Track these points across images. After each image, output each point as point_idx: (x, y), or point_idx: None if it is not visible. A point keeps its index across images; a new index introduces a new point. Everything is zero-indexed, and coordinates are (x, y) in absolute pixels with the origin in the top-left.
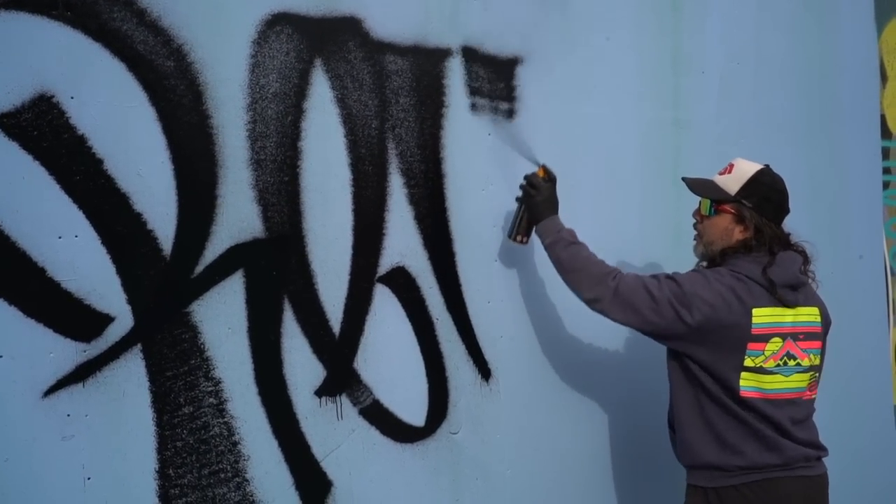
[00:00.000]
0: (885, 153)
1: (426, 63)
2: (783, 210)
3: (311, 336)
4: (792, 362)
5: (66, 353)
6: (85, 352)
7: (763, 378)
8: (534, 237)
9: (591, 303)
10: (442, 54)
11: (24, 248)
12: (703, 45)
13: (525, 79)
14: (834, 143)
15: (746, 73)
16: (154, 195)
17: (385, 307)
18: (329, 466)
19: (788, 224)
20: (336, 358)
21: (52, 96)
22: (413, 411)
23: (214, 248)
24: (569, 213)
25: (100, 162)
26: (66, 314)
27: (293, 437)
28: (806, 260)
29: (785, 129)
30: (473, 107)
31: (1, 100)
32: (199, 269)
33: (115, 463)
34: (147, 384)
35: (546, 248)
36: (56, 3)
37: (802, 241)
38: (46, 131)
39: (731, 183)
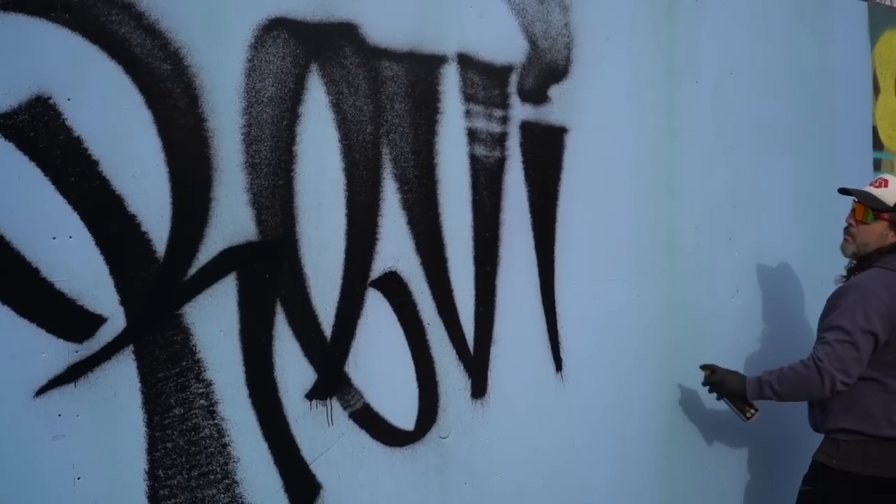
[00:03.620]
0: (877, 164)
1: (421, 69)
2: None
3: (302, 339)
4: None
5: (59, 353)
6: (77, 352)
7: None
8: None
9: (827, 392)
10: (437, 61)
11: (18, 249)
12: (698, 55)
13: (520, 86)
14: (826, 153)
15: (740, 82)
16: (149, 197)
17: (377, 311)
18: (319, 469)
19: (779, 234)
20: (327, 361)
21: (50, 98)
22: (403, 415)
23: (208, 250)
24: (563, 221)
25: (95, 163)
26: (59, 314)
27: (283, 439)
28: None
29: (778, 139)
30: (468, 113)
31: None
32: (192, 271)
33: (105, 463)
34: (138, 385)
35: (772, 399)
36: (55, 5)
37: None
38: (43, 132)
39: (889, 196)
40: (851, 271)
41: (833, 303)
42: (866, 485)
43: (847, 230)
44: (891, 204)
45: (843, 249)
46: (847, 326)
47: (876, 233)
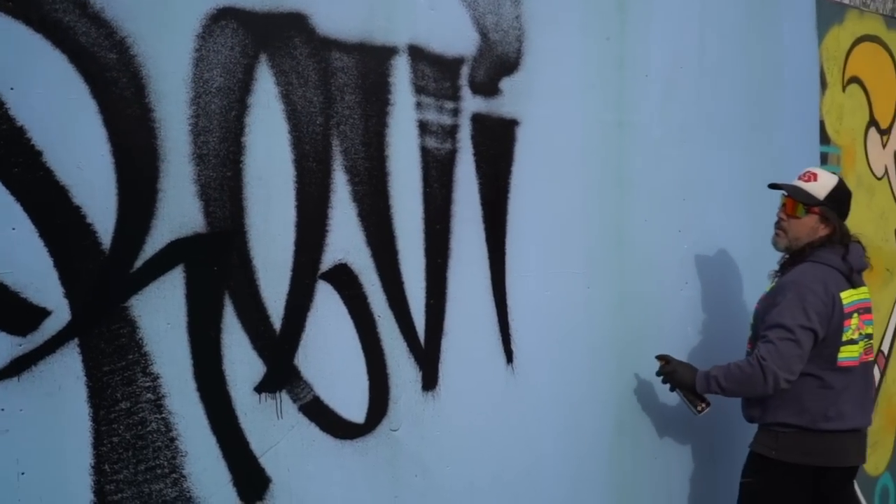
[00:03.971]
0: (824, 158)
1: (372, 60)
2: (849, 211)
3: (251, 332)
4: (859, 333)
5: (1, 346)
6: (20, 346)
7: (852, 348)
8: None
9: (770, 391)
10: (388, 52)
11: None
12: (648, 49)
13: (471, 78)
14: (774, 147)
15: (690, 77)
16: (94, 188)
17: (327, 304)
18: (268, 463)
19: (729, 227)
20: (276, 354)
21: None
22: (353, 408)
23: (154, 242)
24: (514, 213)
25: (39, 154)
26: (2, 307)
27: (232, 433)
28: (864, 249)
29: (727, 132)
30: (419, 105)
31: None
32: (139, 263)
33: (50, 458)
34: (84, 379)
35: (719, 394)
36: None
37: (856, 235)
38: None
39: (819, 189)
40: (784, 266)
41: (772, 300)
42: (805, 473)
43: (778, 224)
44: (821, 198)
45: (775, 244)
46: (788, 324)
47: (807, 227)
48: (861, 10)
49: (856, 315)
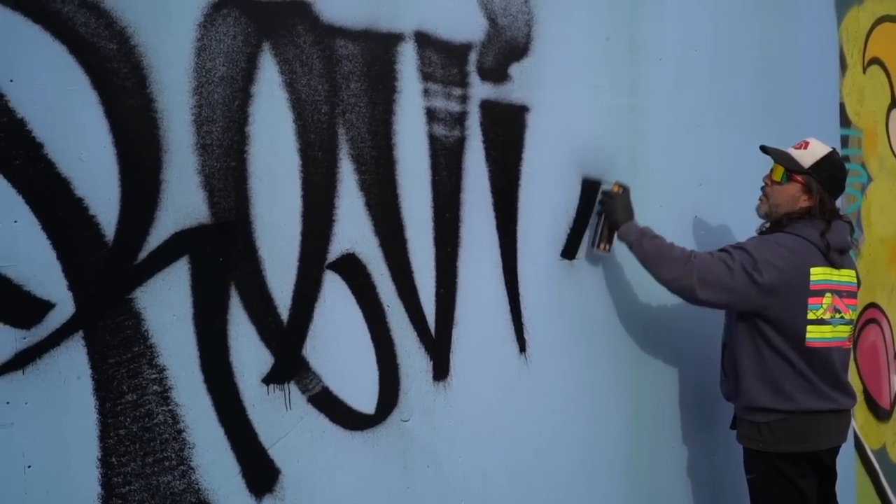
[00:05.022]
0: (845, 141)
1: (378, 48)
2: (841, 188)
3: (258, 323)
4: (837, 315)
5: (6, 339)
6: (25, 339)
7: (823, 329)
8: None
9: (677, 283)
10: (394, 39)
11: None
12: (661, 32)
13: (480, 65)
14: (792, 131)
15: (704, 60)
16: (96, 180)
17: (335, 294)
18: (277, 454)
19: (745, 212)
20: (284, 345)
21: None
22: (363, 399)
23: (158, 233)
24: (525, 201)
25: (40, 146)
26: (5, 301)
27: (240, 425)
28: (852, 230)
29: (742, 116)
30: (426, 92)
31: None
32: (143, 255)
33: (56, 451)
34: (89, 371)
35: (631, 247)
36: None
37: (846, 215)
38: None
39: (806, 157)
40: (761, 234)
41: None
42: (797, 458)
43: (763, 189)
44: (806, 166)
45: (757, 210)
46: (735, 256)
47: (788, 194)
48: None
49: (829, 295)
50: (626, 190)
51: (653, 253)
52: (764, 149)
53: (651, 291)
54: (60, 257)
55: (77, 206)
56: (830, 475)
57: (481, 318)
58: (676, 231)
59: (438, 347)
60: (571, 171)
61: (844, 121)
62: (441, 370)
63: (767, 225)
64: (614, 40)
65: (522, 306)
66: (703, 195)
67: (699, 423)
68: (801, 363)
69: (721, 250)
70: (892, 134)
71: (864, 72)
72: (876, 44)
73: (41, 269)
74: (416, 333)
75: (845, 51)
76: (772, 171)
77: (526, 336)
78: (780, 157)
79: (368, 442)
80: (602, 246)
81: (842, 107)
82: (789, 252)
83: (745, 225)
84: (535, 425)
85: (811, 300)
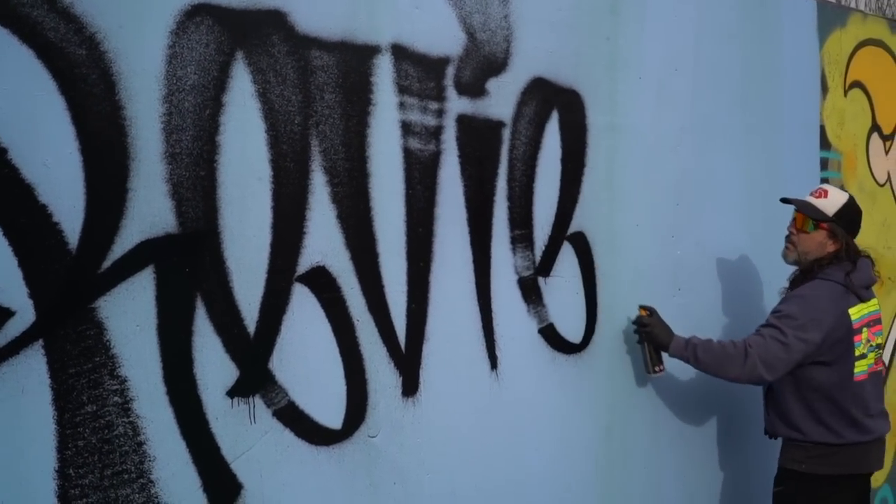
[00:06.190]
0: (824, 163)
1: (354, 59)
2: (859, 229)
3: (224, 335)
4: (870, 345)
5: None
6: None
7: (862, 362)
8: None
9: (744, 379)
10: (370, 51)
11: None
12: (641, 50)
13: (457, 79)
14: (772, 152)
15: (685, 79)
16: (61, 187)
17: (304, 307)
18: (239, 469)
19: (724, 232)
20: (250, 358)
21: None
22: (330, 413)
23: (124, 242)
24: (498, 217)
25: (4, 151)
26: None
27: (203, 438)
28: (873, 263)
29: (723, 136)
30: (402, 105)
31: None
32: (107, 263)
33: (12, 462)
34: (48, 381)
35: (688, 362)
36: None
37: (865, 249)
38: None
39: (829, 206)
40: (794, 283)
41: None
42: (834, 480)
43: (788, 238)
44: (830, 214)
45: (785, 257)
46: (784, 328)
47: (815, 242)
48: (864, 12)
49: (865, 329)
50: (653, 312)
51: (711, 362)
52: (787, 200)
53: (626, 310)
54: (22, 264)
55: (40, 212)
56: (867, 495)
57: (453, 334)
58: (653, 250)
59: (408, 363)
60: (548, 187)
61: (824, 143)
62: (410, 386)
63: (797, 273)
64: (594, 57)
65: (495, 323)
66: (681, 215)
67: (672, 440)
68: (842, 400)
69: (767, 325)
70: (871, 157)
71: (846, 95)
72: (858, 67)
73: (1, 277)
74: (385, 348)
75: (827, 73)
76: (794, 219)
77: (498, 353)
78: (805, 208)
79: (334, 457)
80: (657, 369)
81: (822, 129)
82: (827, 301)
83: (722, 246)
84: (506, 443)
85: (855, 338)
